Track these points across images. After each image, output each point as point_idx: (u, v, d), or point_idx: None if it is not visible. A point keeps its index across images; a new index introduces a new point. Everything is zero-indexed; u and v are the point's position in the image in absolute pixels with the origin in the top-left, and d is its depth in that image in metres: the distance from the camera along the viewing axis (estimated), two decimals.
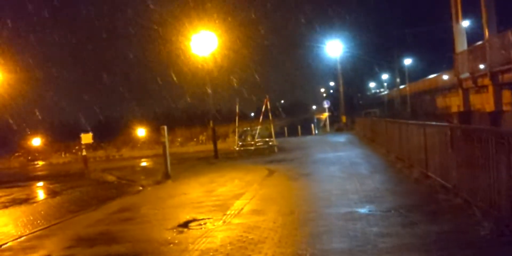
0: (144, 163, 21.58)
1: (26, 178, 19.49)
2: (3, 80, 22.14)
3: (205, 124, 32.49)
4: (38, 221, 7.86)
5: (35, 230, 6.89)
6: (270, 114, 19.04)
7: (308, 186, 8.29)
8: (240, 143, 19.61)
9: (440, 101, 29.15)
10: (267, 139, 20.10)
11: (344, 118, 31.60)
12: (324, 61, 43.11)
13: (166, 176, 12.43)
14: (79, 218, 7.67)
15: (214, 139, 17.93)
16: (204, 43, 17.93)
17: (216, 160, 17.30)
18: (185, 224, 6.12)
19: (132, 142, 30.87)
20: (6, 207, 10.64)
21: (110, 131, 35.61)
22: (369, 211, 5.69)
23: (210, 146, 23.75)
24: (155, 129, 30.53)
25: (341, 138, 22.05)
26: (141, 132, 32.02)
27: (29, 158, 30.02)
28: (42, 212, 9.12)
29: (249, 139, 21.82)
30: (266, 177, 10.39)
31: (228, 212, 6.60)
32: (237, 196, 7.95)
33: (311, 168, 11.11)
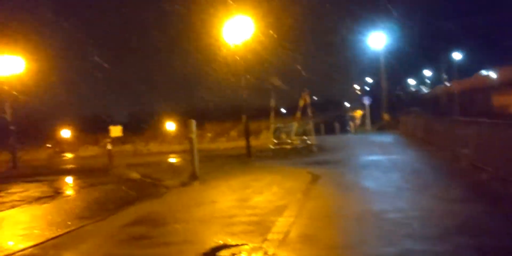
0: (171, 159, 20.30)
1: (49, 171, 18.61)
2: (29, 69, 21.41)
3: (236, 119, 31.04)
4: (38, 231, 6.50)
5: (26, 246, 5.48)
6: (309, 110, 17.22)
7: (371, 201, 6.49)
8: (276, 141, 17.93)
9: (497, 100, 26.32)
10: (305, 137, 18.33)
11: (386, 116, 29.26)
12: (362, 55, 40.56)
13: (193, 177, 10.94)
14: (85, 231, 6.22)
15: (247, 135, 16.32)
16: (237, 30, 16.33)
17: (249, 159, 15.72)
18: (213, 253, 4.52)
19: (161, 137, 29.87)
20: (13, 206, 9.44)
21: (140, 125, 34.79)
22: (485, 251, 3.87)
23: (241, 143, 22.23)
24: (185, 123, 29.37)
25: (387, 138, 19.94)
26: (170, 126, 30.98)
27: (57, 150, 29.59)
28: (49, 217, 7.80)
29: (283, 136, 20.12)
30: (310, 184, 8.65)
31: (269, 236, 4.94)
32: (279, 210, 6.28)
33: (364, 174, 9.28)
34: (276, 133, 19.20)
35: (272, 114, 18.67)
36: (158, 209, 7.51)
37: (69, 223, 7.11)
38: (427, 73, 56.48)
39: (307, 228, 5.20)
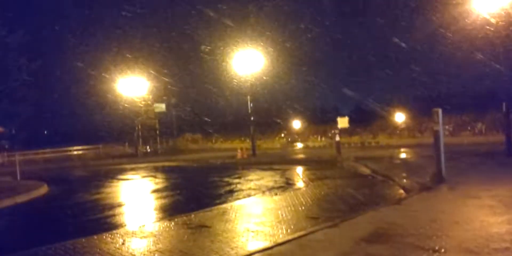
0: (403, 155, 18.21)
1: (282, 160, 19.54)
2: (267, 66, 23.10)
3: (477, 109, 25.83)
4: (268, 229, 6.03)
5: (253, 250, 4.93)
6: None
7: None
8: None
9: None
10: None
11: None
12: None
13: (439, 179, 8.88)
14: (315, 239, 5.30)
15: (508, 128, 12.72)
16: None
17: (510, 159, 12.24)
18: None
19: (390, 129, 27.81)
20: (248, 195, 9.70)
21: (367, 116, 33.59)
22: None
23: (491, 138, 18.13)
24: (416, 115, 26.51)
25: None
26: (399, 117, 28.52)
27: (290, 139, 31.55)
28: (279, 212, 7.36)
29: None
30: None
31: None
32: None
33: None
34: None
35: None
36: (399, 220, 5.97)
37: (298, 223, 6.45)
38: None
39: None
